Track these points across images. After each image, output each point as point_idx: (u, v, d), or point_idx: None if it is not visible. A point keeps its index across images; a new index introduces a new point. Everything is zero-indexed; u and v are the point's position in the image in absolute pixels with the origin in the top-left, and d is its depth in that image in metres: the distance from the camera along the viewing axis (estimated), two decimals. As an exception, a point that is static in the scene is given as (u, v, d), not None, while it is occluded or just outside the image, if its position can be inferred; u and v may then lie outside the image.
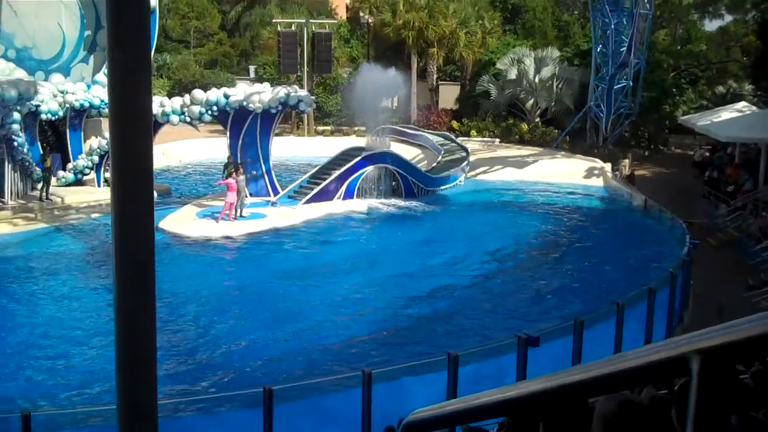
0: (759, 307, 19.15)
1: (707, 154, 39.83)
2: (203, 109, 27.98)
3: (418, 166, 34.93)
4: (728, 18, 58.39)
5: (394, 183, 31.30)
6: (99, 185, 29.03)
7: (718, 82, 59.91)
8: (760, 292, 20.26)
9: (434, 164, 36.76)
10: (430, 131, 45.34)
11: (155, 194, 27.27)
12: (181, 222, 26.08)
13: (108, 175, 26.43)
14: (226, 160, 28.85)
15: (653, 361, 2.10)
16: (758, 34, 50.89)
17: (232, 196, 26.05)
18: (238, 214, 26.67)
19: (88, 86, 30.09)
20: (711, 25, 60.66)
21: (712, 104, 50.99)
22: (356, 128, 49.52)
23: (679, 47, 53.89)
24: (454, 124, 49.04)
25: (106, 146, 25.82)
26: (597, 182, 36.05)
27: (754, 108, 38.15)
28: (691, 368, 1.91)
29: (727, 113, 36.73)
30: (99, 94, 29.34)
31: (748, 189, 31.39)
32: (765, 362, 3.36)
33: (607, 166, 37.85)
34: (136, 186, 2.39)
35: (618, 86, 42.00)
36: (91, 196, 27.91)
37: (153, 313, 2.48)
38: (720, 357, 1.86)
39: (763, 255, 24.19)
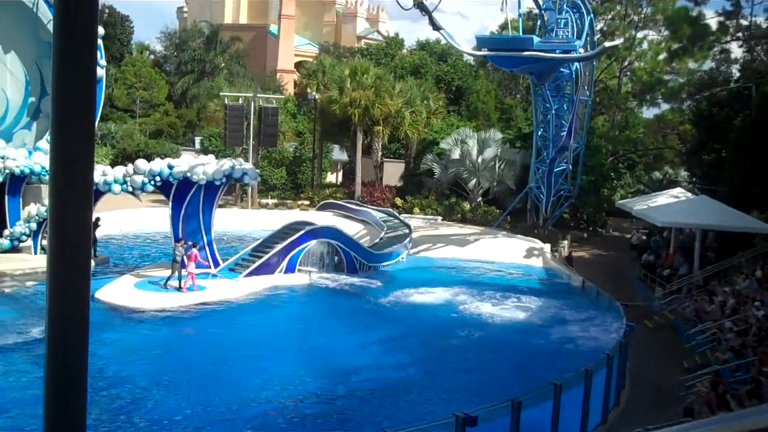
0: (694, 390, 19.41)
1: (644, 237, 40.72)
2: (146, 179, 27.72)
3: (361, 241, 35.02)
4: (665, 106, 60.01)
5: (336, 258, 31.30)
6: (36, 253, 28.35)
7: (654, 167, 61.73)
8: (695, 375, 20.52)
9: (377, 240, 36.90)
10: (373, 207, 45.66)
11: (93, 264, 26.88)
12: (118, 292, 25.64)
13: (45, 242, 25.85)
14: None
15: None
16: (693, 123, 52.80)
17: (192, 266, 26.03)
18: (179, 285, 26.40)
19: (30, 153, 29.58)
20: (648, 113, 62.26)
21: (649, 189, 52.43)
22: (300, 202, 49.67)
23: (617, 133, 55.28)
24: (398, 200, 49.48)
25: (45, 213, 25.38)
26: (536, 262, 36.46)
27: (689, 194, 39.20)
28: None
29: (663, 198, 37.66)
30: (40, 160, 28.88)
31: (684, 273, 32.11)
32: None
33: (547, 247, 38.33)
34: (73, 255, 2.37)
35: (558, 169, 42.83)
36: (26, 264, 27.18)
37: (85, 381, 2.46)
38: None
39: (698, 338, 24.59)
